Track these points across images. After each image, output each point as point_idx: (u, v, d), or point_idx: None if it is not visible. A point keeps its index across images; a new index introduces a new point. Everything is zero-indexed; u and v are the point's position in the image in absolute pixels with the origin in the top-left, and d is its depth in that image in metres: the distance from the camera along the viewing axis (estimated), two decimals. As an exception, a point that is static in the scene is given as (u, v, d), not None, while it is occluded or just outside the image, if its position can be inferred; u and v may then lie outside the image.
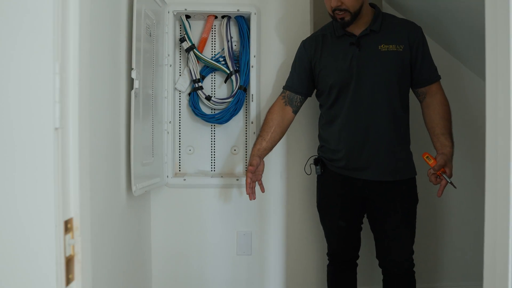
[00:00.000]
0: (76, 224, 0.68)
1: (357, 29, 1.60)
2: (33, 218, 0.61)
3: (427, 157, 1.53)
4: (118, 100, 1.50)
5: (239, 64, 2.05)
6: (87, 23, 0.72)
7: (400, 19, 1.67)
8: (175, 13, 1.99)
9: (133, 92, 1.55)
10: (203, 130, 2.11)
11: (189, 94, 2.07)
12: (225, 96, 2.08)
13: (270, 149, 1.74)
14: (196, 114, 2.06)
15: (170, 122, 2.01)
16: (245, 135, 2.11)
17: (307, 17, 2.07)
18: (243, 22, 2.04)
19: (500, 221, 0.83)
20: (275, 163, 2.08)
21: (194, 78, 2.03)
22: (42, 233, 0.61)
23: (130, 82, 1.58)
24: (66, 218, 0.66)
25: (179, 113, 2.10)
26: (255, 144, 1.73)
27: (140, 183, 1.63)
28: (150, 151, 1.80)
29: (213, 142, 2.12)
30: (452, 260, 2.17)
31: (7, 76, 0.59)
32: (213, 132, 2.12)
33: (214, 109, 2.09)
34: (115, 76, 1.47)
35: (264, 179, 1.75)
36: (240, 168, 2.11)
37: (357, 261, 1.77)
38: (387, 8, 2.15)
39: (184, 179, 2.02)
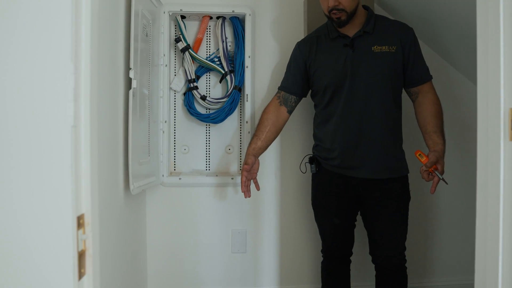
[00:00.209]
0: (87, 220, 0.70)
1: (351, 31, 1.64)
2: (50, 214, 0.63)
3: (419, 154, 1.57)
4: (117, 99, 1.51)
5: (234, 64, 2.07)
6: (96, 24, 0.74)
7: (392, 20, 1.72)
8: (170, 14, 2.01)
9: (131, 91, 1.57)
10: (198, 129, 2.13)
11: (184, 94, 2.09)
12: (220, 96, 2.10)
13: (265, 148, 1.77)
14: (192, 114, 2.08)
15: (165, 121, 2.03)
16: (240, 134, 2.14)
17: (301, 18, 2.10)
18: (237, 23, 2.07)
19: (491, 218, 0.86)
20: (270, 162, 2.11)
21: (189, 78, 2.05)
22: (60, 228, 0.63)
23: (128, 81, 1.60)
24: (79, 214, 0.68)
25: (174, 113, 2.11)
26: (250, 143, 1.75)
27: (137, 182, 1.64)
28: (147, 150, 1.82)
29: (208, 142, 2.14)
30: (442, 256, 2.23)
31: (28, 76, 0.61)
32: (208, 131, 2.14)
33: (209, 109, 2.11)
34: (113, 75, 1.48)
35: (259, 178, 1.77)
36: (234, 167, 2.14)
37: (351, 258, 1.81)
38: (378, 11, 2.19)
39: (180, 178, 2.04)
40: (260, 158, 1.76)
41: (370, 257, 1.73)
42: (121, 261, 1.60)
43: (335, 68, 1.63)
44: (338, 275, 1.79)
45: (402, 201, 1.66)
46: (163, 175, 2.03)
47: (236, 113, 2.12)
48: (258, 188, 1.78)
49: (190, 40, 2.08)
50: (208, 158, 2.14)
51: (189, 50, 2.03)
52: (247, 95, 2.04)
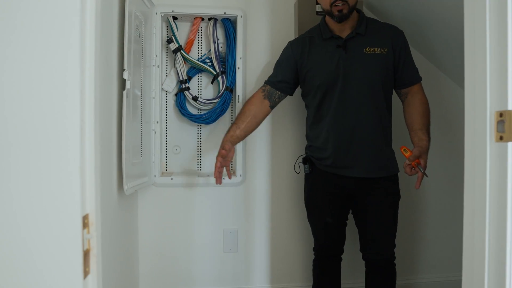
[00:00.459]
0: (92, 219, 0.72)
1: (343, 32, 1.67)
2: (59, 213, 0.64)
3: (404, 149, 1.62)
4: (110, 100, 1.52)
5: (225, 65, 2.09)
6: (99, 26, 0.76)
7: (383, 23, 1.76)
8: (162, 15, 2.02)
9: (125, 92, 1.57)
10: (190, 130, 2.15)
11: (176, 94, 2.10)
12: (211, 97, 2.12)
13: (242, 138, 1.79)
14: (183, 114, 2.09)
15: (157, 122, 2.03)
16: (231, 135, 2.15)
17: (292, 20, 2.14)
18: (229, 25, 2.09)
19: (478, 216, 0.90)
20: (262, 162, 2.13)
21: (181, 79, 2.06)
22: (68, 228, 0.64)
23: (122, 82, 1.60)
24: (84, 213, 0.69)
25: (166, 113, 2.12)
26: (228, 131, 1.76)
27: (130, 182, 1.65)
28: (139, 151, 1.82)
29: (199, 142, 2.15)
30: (430, 254, 2.28)
31: (37, 76, 0.62)
32: (199, 132, 2.15)
33: (201, 110, 2.12)
34: (107, 76, 1.48)
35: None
36: (226, 167, 2.15)
37: (342, 256, 1.85)
38: (367, 14, 2.23)
39: (172, 178, 2.05)
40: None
41: (360, 255, 1.77)
42: (115, 261, 1.60)
43: (327, 69, 1.66)
44: (330, 273, 1.82)
45: (393, 199, 1.70)
46: (155, 175, 2.03)
47: (227, 114, 2.14)
48: (230, 176, 1.82)
49: (182, 41, 2.09)
50: (199, 158, 2.16)
51: (181, 51, 2.04)
52: (238, 96, 2.06)
